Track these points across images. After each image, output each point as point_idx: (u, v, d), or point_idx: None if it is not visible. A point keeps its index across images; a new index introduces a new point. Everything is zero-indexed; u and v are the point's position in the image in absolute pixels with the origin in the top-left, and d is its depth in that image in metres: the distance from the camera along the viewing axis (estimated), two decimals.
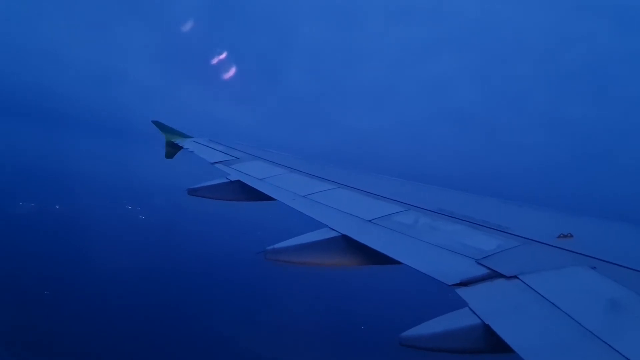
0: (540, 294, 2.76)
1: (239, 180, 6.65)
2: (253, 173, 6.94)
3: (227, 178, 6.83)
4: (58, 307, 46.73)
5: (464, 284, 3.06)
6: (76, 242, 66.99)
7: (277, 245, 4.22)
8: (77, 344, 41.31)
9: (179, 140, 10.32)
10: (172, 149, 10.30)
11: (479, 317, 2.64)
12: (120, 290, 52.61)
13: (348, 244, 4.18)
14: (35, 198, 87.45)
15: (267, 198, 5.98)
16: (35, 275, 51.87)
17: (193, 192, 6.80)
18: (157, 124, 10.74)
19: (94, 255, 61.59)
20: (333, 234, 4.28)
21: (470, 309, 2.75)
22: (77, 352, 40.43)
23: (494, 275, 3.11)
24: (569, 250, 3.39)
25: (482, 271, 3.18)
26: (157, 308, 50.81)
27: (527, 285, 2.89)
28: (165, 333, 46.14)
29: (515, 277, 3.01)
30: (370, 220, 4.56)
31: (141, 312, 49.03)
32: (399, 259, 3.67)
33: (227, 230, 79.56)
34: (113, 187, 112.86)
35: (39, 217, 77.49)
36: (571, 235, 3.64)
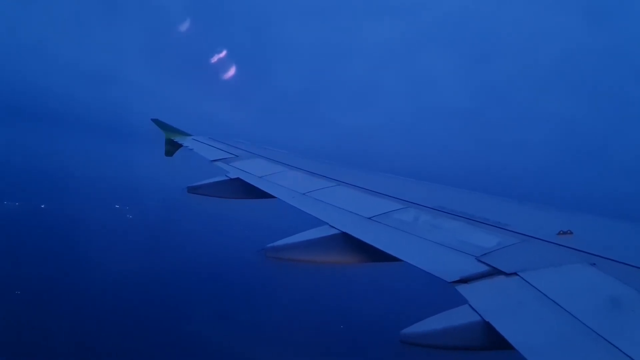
0: (540, 291, 2.76)
1: (238, 178, 6.66)
2: (252, 171, 6.94)
3: (226, 176, 6.83)
4: (32, 307, 46.24)
5: (464, 281, 3.06)
6: (56, 241, 65.97)
7: (277, 243, 4.23)
8: (56, 345, 40.93)
9: (178, 138, 10.32)
10: (172, 147, 10.30)
11: (479, 314, 2.64)
12: (110, 290, 51.79)
13: (348, 242, 4.18)
14: (22, 197, 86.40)
15: (267, 196, 5.99)
16: (11, 275, 51.17)
17: (193, 189, 6.82)
18: (157, 122, 10.74)
19: (75, 254, 60.90)
20: (333, 232, 4.28)
21: (471, 306, 2.75)
22: (57, 354, 40.12)
23: (494, 272, 3.11)
24: (568, 247, 3.39)
25: (482, 268, 3.19)
26: (153, 308, 50.64)
27: (527, 282, 2.89)
28: (162, 333, 46.07)
29: (515, 274, 3.01)
30: (369, 218, 4.56)
31: (136, 313, 48.69)
32: (399, 257, 3.67)
33: (227, 228, 79.45)
34: (108, 185, 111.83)
35: (20, 216, 76.67)
36: (571, 232, 3.64)
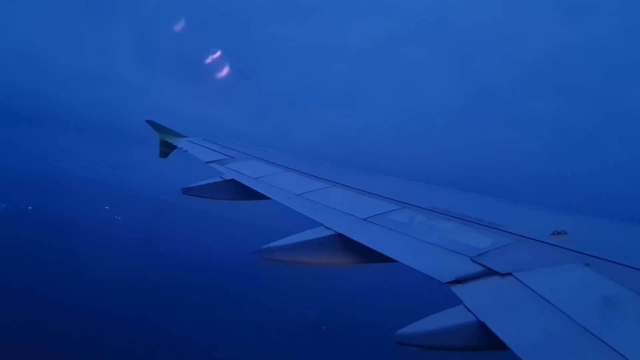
0: (534, 291, 2.77)
1: (233, 180, 6.64)
2: (248, 172, 6.93)
3: (221, 177, 6.82)
4: (18, 310, 45.71)
5: (459, 281, 3.07)
6: (41, 243, 65.02)
7: (272, 244, 4.22)
8: (44, 347, 40.49)
9: (173, 140, 10.29)
10: (167, 149, 10.27)
11: (474, 315, 2.65)
12: (99, 293, 51.22)
13: (343, 243, 4.19)
14: (8, 199, 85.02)
15: (262, 197, 5.98)
16: None
17: (188, 191, 6.80)
18: (151, 123, 10.70)
19: (60, 256, 60.16)
20: (328, 233, 4.28)
21: (465, 306, 2.76)
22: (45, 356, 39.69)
23: (489, 272, 3.12)
24: (562, 248, 3.41)
25: (477, 269, 3.19)
26: (145, 310, 50.24)
27: (522, 282, 2.90)
28: (155, 335, 45.77)
29: (510, 274, 3.03)
30: (365, 219, 4.56)
31: (127, 316, 48.14)
32: (394, 257, 3.67)
33: (222, 229, 79.24)
34: (100, 187, 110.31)
35: (5, 218, 75.69)
36: (565, 233, 3.66)
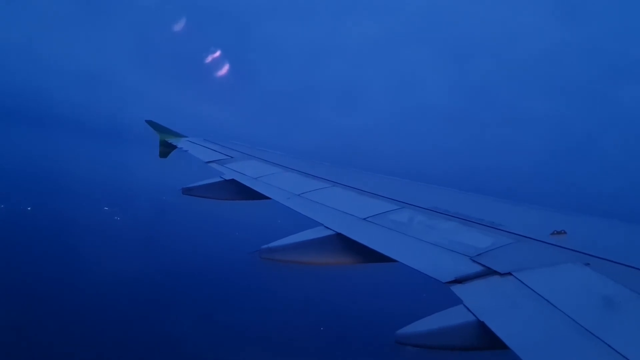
0: (534, 291, 2.77)
1: (233, 179, 6.65)
2: (247, 172, 6.93)
3: (221, 177, 6.83)
4: (15, 311, 45.48)
5: (459, 281, 3.07)
6: (39, 244, 64.70)
7: (272, 244, 4.23)
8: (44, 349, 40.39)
9: (173, 140, 10.30)
10: (166, 149, 10.28)
11: (474, 314, 2.65)
12: (97, 294, 51.04)
13: (343, 243, 4.19)
14: (7, 200, 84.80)
15: (262, 197, 5.98)
16: None
17: (187, 191, 6.80)
18: (151, 123, 10.71)
19: (58, 257, 59.94)
20: (328, 233, 4.28)
21: (465, 306, 2.76)
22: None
23: (489, 272, 3.12)
24: (562, 247, 3.41)
25: (477, 268, 3.20)
26: (144, 311, 50.16)
27: (521, 282, 2.90)
28: (154, 336, 45.69)
29: (510, 274, 3.03)
30: (364, 219, 4.56)
31: (126, 318, 47.97)
32: (394, 257, 3.67)
33: (222, 229, 79.09)
34: (99, 188, 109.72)
35: (4, 218, 75.57)
36: (564, 232, 3.66)
